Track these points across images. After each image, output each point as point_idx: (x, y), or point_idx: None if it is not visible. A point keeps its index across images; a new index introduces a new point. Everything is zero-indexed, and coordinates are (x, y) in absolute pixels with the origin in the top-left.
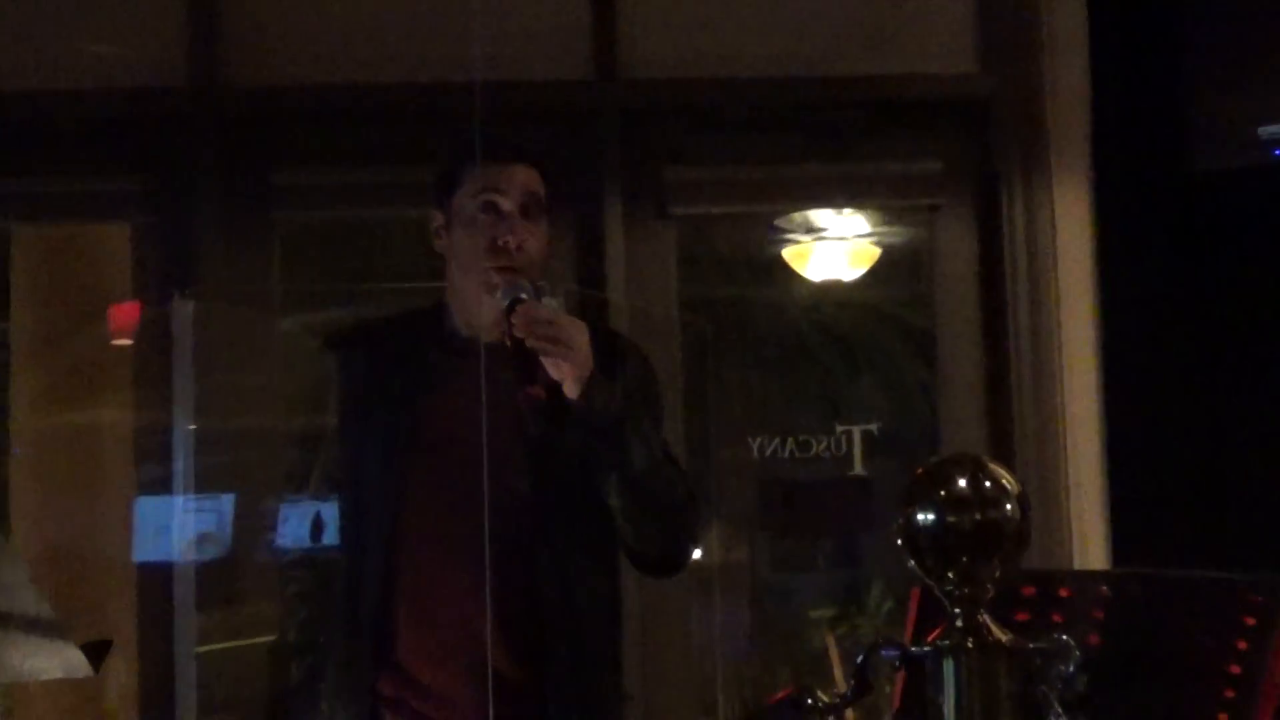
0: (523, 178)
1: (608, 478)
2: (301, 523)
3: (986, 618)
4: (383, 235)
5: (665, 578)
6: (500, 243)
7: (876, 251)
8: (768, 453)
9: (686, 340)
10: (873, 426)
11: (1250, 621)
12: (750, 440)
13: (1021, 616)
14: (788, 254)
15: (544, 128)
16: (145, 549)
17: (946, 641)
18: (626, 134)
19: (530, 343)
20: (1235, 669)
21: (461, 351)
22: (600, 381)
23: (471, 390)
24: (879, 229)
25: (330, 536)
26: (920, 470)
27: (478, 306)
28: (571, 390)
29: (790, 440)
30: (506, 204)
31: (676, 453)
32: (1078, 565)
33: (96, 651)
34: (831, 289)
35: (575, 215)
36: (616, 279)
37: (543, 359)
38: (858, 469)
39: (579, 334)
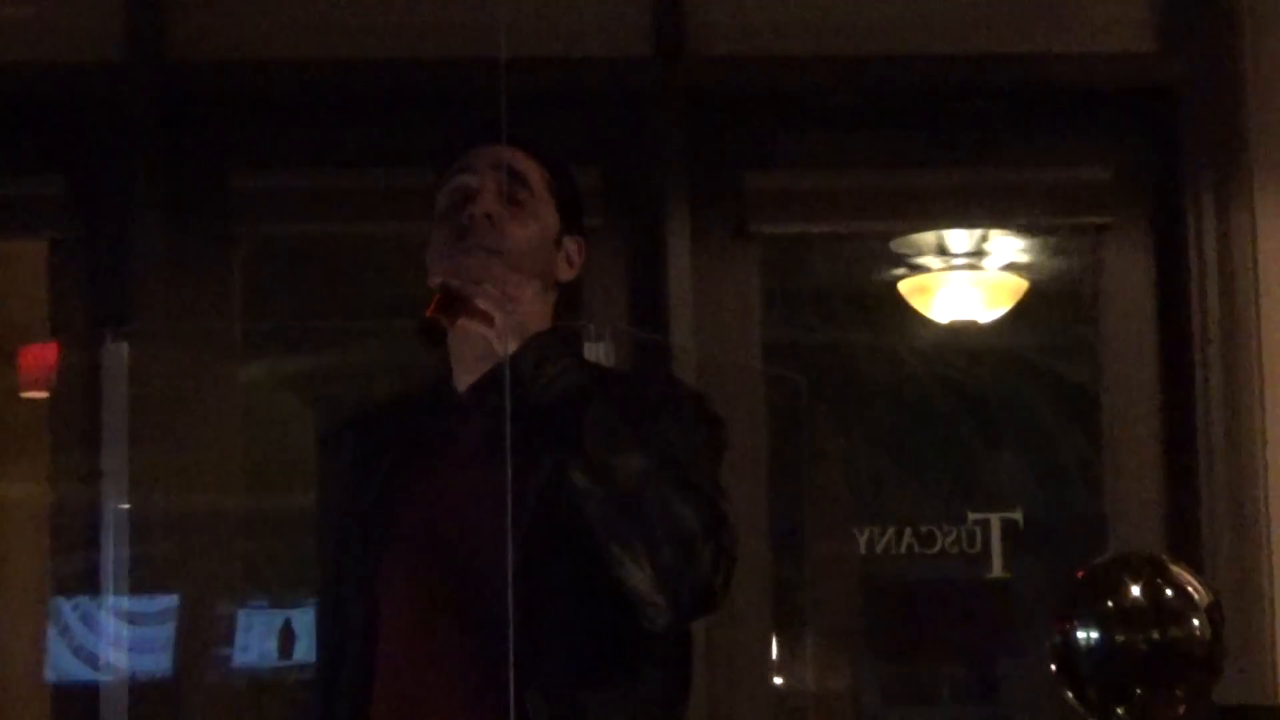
0: (499, 155)
1: (571, 471)
2: (266, 633)
3: None
4: (375, 256)
5: (698, 618)
6: (464, 219)
7: (1023, 285)
8: (878, 547)
9: (773, 398)
10: (1016, 515)
11: None
12: (855, 531)
13: None
14: (906, 287)
15: (589, 119)
16: (63, 665)
17: None
18: (696, 128)
19: (454, 283)
20: None
21: (459, 419)
22: (552, 344)
23: (467, 464)
24: (1027, 255)
25: (304, 651)
26: (1081, 573)
27: (470, 350)
28: (508, 346)
29: (908, 531)
30: (474, 180)
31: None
32: None
33: None
34: (963, 333)
35: (629, 233)
36: (682, 317)
37: (466, 321)
38: (996, 570)
39: (521, 284)
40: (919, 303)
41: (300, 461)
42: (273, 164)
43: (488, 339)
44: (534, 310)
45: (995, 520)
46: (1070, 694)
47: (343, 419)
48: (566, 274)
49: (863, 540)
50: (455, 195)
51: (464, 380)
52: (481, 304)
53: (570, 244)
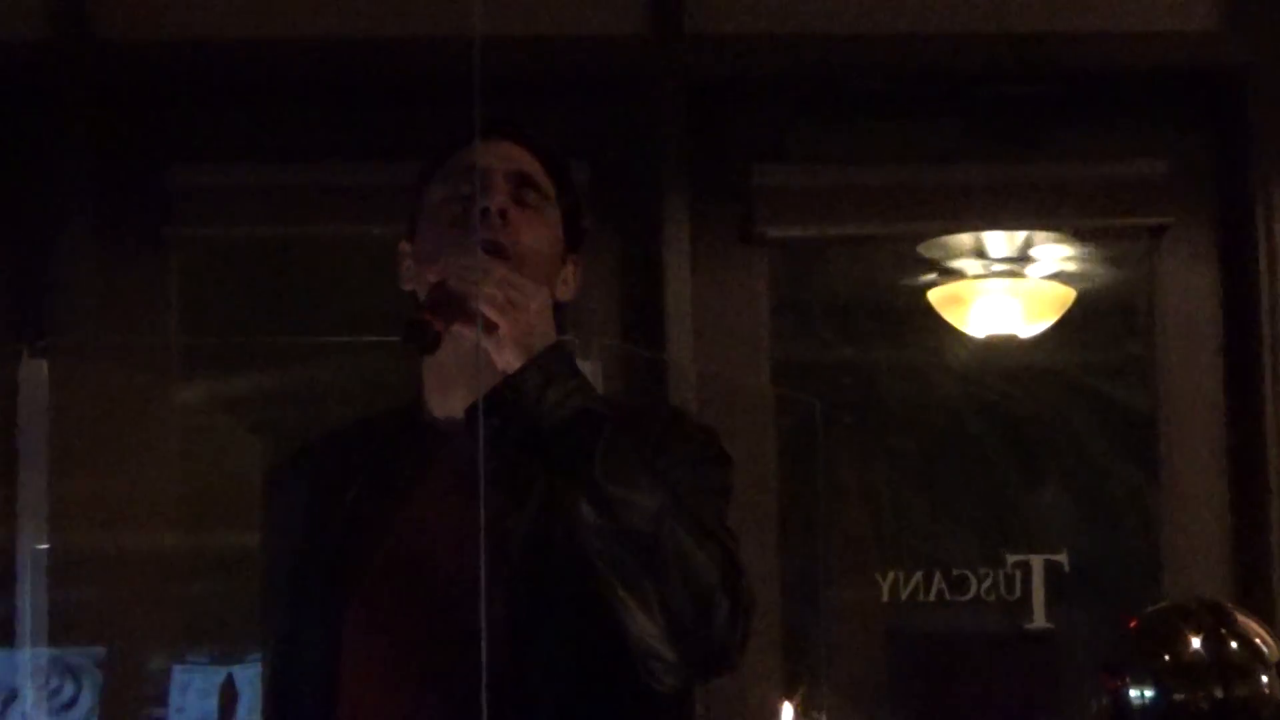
0: (508, 153)
1: (577, 505)
2: (205, 692)
3: None
4: (332, 261)
5: (712, 678)
6: (473, 214)
7: (1070, 294)
8: (904, 593)
9: (784, 424)
10: (1060, 557)
11: None
12: (878, 576)
13: None
14: (936, 297)
15: (575, 106)
16: None
17: None
18: (696, 117)
19: (454, 284)
20: None
21: (434, 448)
22: (560, 363)
23: (447, 498)
24: (1074, 261)
25: (247, 712)
26: (1134, 623)
27: (456, 364)
28: (509, 360)
29: (938, 575)
30: (482, 176)
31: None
32: None
33: None
34: (1001, 350)
35: (621, 236)
36: (681, 332)
37: (462, 327)
38: (1038, 619)
39: (530, 291)
40: (951, 315)
41: (245, 495)
42: (215, 157)
43: (484, 353)
44: (540, 323)
45: (1037, 563)
46: None
47: (296, 447)
48: (563, 294)
49: (886, 585)
50: (457, 189)
51: (445, 401)
52: (485, 308)
53: (570, 263)
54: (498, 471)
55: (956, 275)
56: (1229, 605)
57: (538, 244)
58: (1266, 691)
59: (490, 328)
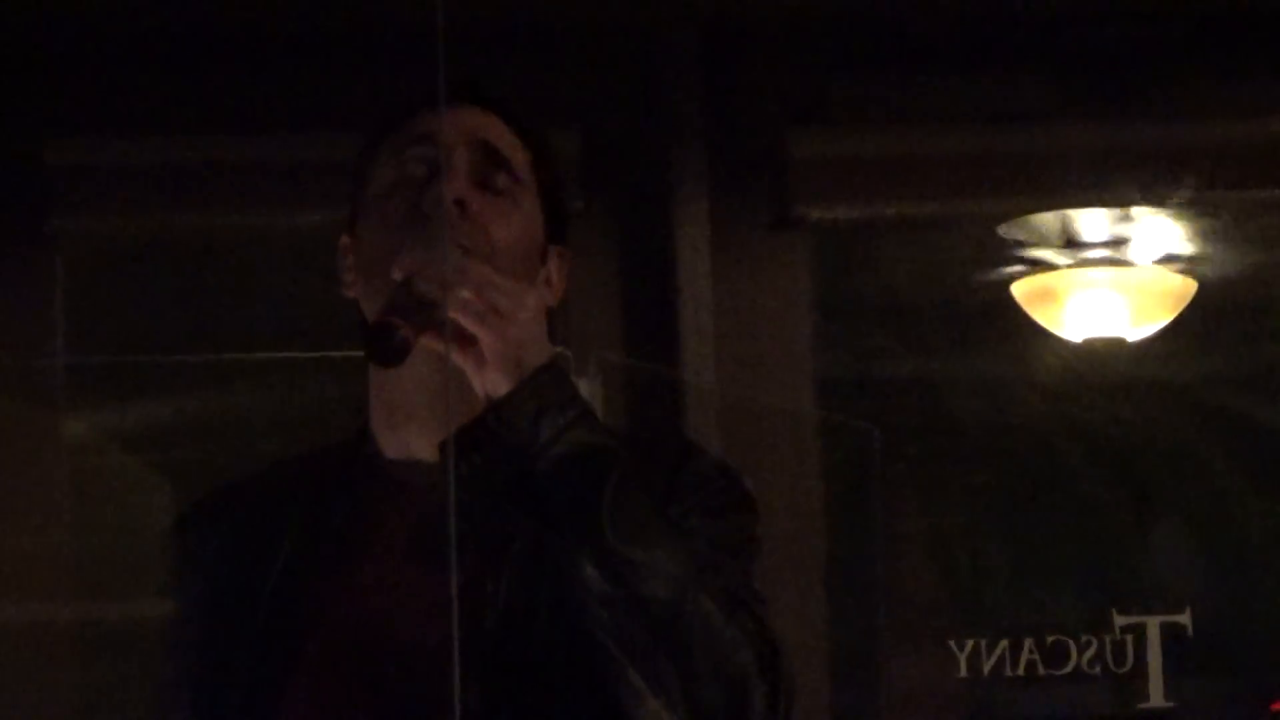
0: (472, 122)
1: (578, 568)
2: None
3: None
4: (256, 258)
5: None
6: (425, 205)
7: (1190, 287)
8: (985, 665)
9: (833, 458)
10: (1182, 618)
11: None
12: (953, 645)
13: None
14: (1022, 291)
15: (565, 63)
16: None
17: None
18: (716, 72)
19: (421, 288)
20: None
21: (385, 491)
22: (556, 387)
23: (401, 552)
24: (1195, 244)
25: None
26: (1276, 704)
27: (417, 391)
28: (494, 382)
29: (1028, 644)
30: (438, 153)
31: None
32: None
33: None
34: (1105, 358)
35: (623, 222)
36: (699, 341)
37: (431, 341)
38: (1155, 697)
39: (517, 295)
40: (1041, 314)
41: (149, 554)
42: (107, 129)
43: (456, 374)
44: (532, 336)
45: (1153, 625)
46: None
47: (210, 492)
48: (546, 296)
49: (963, 656)
50: (409, 172)
51: (399, 438)
52: (460, 317)
53: (552, 257)
54: (470, 526)
55: (1046, 264)
56: None
57: (511, 239)
58: None
59: (467, 341)
